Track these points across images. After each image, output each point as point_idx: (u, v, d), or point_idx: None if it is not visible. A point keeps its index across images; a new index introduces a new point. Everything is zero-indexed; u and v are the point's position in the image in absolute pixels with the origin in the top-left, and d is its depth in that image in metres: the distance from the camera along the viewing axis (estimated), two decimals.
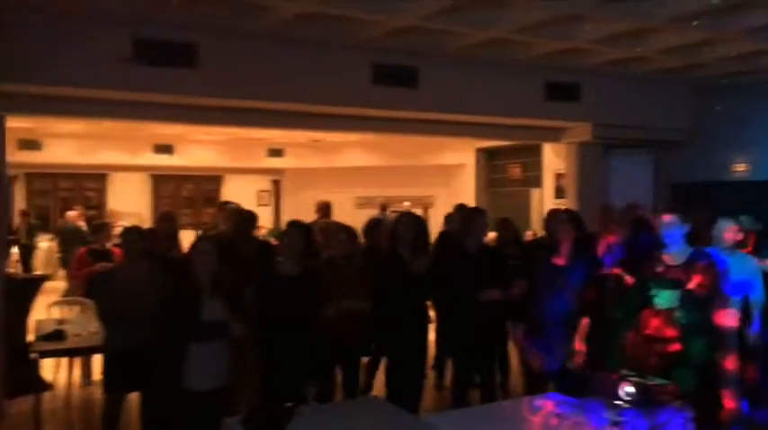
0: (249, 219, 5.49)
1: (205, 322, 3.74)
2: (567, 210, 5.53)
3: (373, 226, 5.60)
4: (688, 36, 7.05)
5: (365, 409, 3.72)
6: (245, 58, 6.78)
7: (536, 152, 11.19)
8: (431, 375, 6.25)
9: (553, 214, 4.98)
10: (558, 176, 10.49)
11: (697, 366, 4.06)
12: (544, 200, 10.88)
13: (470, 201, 11.93)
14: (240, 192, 14.47)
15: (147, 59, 6.15)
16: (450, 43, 7.14)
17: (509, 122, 8.86)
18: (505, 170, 12.22)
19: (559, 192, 10.37)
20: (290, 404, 3.25)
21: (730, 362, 4.79)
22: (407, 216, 5.04)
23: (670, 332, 4.34)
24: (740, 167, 10.43)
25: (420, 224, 4.90)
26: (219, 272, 3.83)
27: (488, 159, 12.67)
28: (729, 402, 4.73)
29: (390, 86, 7.40)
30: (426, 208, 12.61)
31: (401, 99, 7.58)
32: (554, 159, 10.63)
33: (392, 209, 11.63)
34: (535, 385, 4.78)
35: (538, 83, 8.38)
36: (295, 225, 4.43)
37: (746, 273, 4.84)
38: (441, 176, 13.42)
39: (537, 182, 11.32)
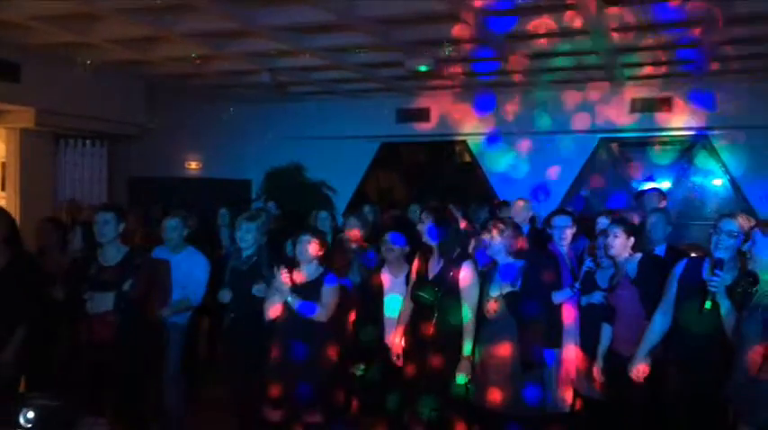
0: None
1: None
2: None
3: None
4: (134, 30, 6.96)
5: None
6: None
7: None
8: None
9: None
10: (4, 165, 9.30)
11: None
12: None
13: None
14: None
15: None
16: None
17: None
18: None
19: (5, 183, 9.16)
20: None
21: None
22: None
23: (106, 335, 4.18)
24: (193, 165, 11.09)
25: None
26: None
27: None
28: None
29: None
30: None
31: None
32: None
33: None
34: None
35: None
36: None
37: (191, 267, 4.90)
38: None
39: None
